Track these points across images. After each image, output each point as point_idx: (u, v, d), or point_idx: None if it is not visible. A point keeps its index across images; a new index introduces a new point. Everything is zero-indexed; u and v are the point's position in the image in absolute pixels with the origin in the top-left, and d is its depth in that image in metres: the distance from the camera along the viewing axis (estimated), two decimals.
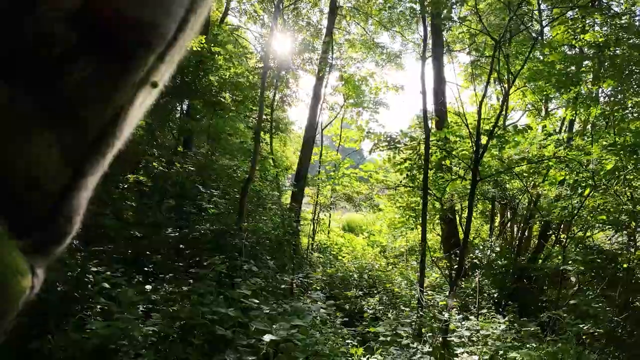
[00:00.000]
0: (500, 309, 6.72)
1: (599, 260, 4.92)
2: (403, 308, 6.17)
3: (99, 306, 3.25)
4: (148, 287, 4.33)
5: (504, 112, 5.18)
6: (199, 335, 2.76)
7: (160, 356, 2.68)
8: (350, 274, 8.39)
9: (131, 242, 5.48)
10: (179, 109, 10.61)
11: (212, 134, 9.92)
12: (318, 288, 7.13)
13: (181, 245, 5.24)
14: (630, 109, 7.01)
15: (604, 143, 5.41)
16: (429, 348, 3.64)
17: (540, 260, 8.12)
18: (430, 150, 5.00)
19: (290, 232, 7.79)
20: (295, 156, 15.30)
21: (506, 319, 4.24)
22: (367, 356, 3.79)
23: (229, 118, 10.85)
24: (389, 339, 4.39)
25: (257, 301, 3.28)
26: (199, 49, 8.48)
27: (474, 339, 4.00)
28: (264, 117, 12.72)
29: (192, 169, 6.87)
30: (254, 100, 11.30)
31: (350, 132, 14.75)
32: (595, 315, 4.31)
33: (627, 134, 5.72)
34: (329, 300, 5.19)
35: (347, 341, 4.30)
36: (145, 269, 4.99)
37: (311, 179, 12.40)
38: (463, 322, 4.16)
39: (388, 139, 4.94)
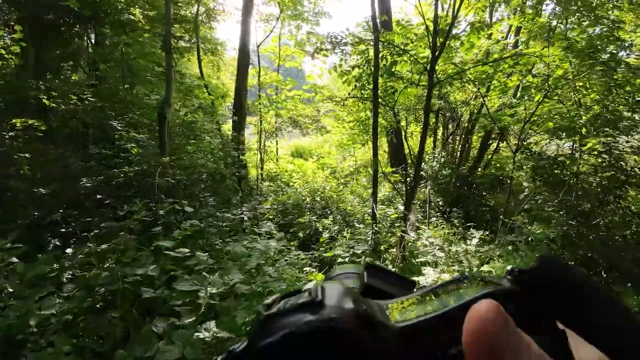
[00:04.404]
0: (446, 216, 7.11)
1: (547, 166, 5.05)
2: (357, 225, 6.19)
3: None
4: (69, 250, 3.64)
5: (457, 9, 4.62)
6: (121, 302, 2.25)
7: (82, 335, 2.16)
8: (303, 198, 8.20)
9: (39, 201, 4.51)
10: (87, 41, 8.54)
11: (121, 61, 8.18)
12: (271, 217, 6.85)
13: (98, 196, 4.37)
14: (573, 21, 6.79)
15: (559, 47, 5.17)
16: (390, 264, 3.60)
17: (480, 169, 8.56)
18: (380, 55, 4.41)
19: (230, 162, 7.05)
20: (231, 82, 13.74)
21: (462, 229, 4.31)
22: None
23: (142, 41, 8.97)
24: (347, 259, 4.35)
25: (187, 250, 2.77)
26: None
27: (430, 247, 4.06)
28: (185, 36, 10.78)
29: (92, 99, 5.51)
30: None
31: (289, 50, 13.35)
32: (549, 219, 4.53)
33: (577, 38, 5.51)
34: (280, 232, 4.91)
35: (305, 269, 4.15)
36: (62, 230, 4.19)
37: (252, 105, 11.31)
38: (423, 235, 4.15)
39: (332, 39, 4.21)
